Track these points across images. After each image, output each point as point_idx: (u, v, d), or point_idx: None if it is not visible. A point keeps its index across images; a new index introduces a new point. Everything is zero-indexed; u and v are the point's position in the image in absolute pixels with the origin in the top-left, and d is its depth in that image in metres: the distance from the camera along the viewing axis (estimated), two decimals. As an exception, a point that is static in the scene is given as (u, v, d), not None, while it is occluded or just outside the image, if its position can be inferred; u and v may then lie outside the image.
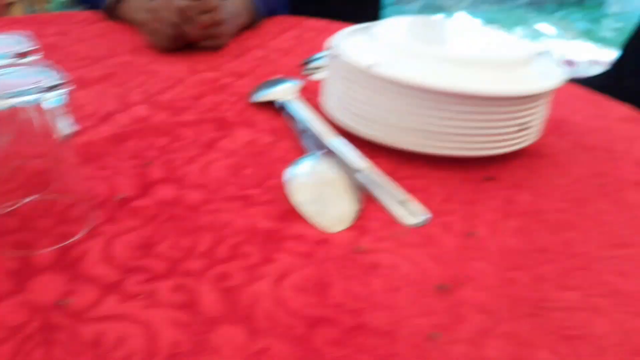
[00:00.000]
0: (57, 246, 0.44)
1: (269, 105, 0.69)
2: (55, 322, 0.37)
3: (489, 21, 4.30)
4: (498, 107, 0.54)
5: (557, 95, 0.83)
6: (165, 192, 0.51)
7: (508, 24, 4.30)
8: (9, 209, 0.46)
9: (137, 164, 0.55)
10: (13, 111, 0.40)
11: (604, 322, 0.41)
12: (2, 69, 0.41)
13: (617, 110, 0.82)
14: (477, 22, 4.23)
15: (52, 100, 0.40)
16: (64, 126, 0.43)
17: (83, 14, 0.97)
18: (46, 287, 0.40)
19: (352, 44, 0.61)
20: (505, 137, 0.57)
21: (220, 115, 0.66)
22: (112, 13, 0.96)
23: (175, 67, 0.79)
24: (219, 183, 0.53)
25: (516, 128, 0.57)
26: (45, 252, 0.43)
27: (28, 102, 0.39)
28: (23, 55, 0.45)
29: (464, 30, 0.68)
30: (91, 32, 0.90)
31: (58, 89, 0.40)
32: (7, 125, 0.41)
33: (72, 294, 0.40)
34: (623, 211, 0.56)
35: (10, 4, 1.10)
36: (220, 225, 0.47)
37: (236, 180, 0.54)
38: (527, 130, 0.59)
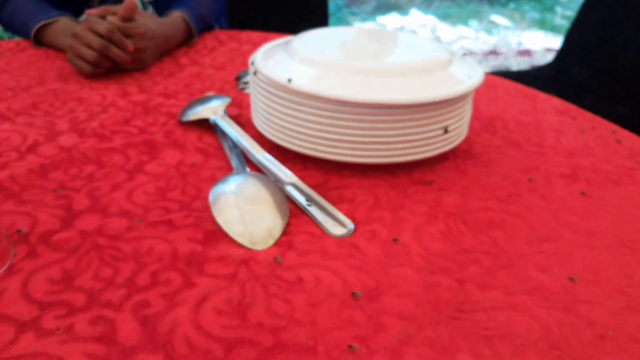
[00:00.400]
0: (-27, 288, 0.43)
1: (201, 123, 0.69)
2: (-34, 368, 0.37)
3: (443, 17, 4.36)
4: (417, 114, 0.55)
5: (489, 92, 0.85)
6: (89, 222, 0.51)
7: (462, 18, 4.36)
8: None
9: (62, 195, 0.55)
10: None
11: (524, 319, 0.42)
12: None
13: (548, 103, 0.84)
14: (430, 19, 4.28)
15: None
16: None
17: (9, 43, 0.95)
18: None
19: (272, 58, 0.61)
20: (430, 141, 0.58)
21: (149, 138, 0.65)
22: (38, 40, 0.94)
23: (105, 92, 0.78)
24: (143, 209, 0.53)
25: (439, 131, 0.58)
26: (-40, 295, 0.42)
27: None
28: None
29: (383, 38, 0.69)
30: (18, 61, 0.88)
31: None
32: None
33: (-15, 336, 0.39)
34: (550, 205, 0.57)
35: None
36: (143, 253, 0.47)
37: (161, 204, 0.54)
38: (451, 133, 0.60)
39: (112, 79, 0.81)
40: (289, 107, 0.56)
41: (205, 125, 0.68)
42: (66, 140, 0.65)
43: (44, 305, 0.42)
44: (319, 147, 0.57)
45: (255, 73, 0.60)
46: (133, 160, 0.61)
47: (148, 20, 0.87)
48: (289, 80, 0.55)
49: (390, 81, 0.55)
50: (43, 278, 0.44)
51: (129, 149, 0.63)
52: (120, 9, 0.83)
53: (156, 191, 0.56)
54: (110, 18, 0.81)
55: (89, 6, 1.03)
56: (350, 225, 0.51)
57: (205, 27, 1.02)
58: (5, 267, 0.45)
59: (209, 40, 0.98)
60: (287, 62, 0.59)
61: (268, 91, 0.58)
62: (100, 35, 0.79)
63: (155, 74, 0.84)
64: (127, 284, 0.44)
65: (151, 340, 0.39)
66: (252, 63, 0.60)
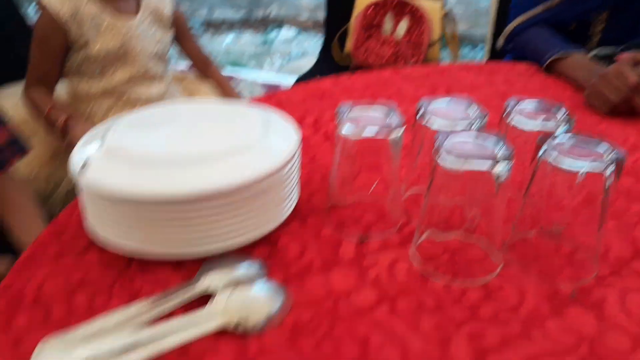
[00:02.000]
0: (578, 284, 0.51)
1: None
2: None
3: None
4: None
5: None
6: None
7: None
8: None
9: (623, 223, 0.59)
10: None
11: None
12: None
13: None
14: None
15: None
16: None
17: (521, 66, 1.06)
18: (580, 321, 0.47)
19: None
20: None
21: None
22: (551, 68, 1.03)
23: (625, 131, 0.81)
24: None
25: None
26: (566, 288, 0.50)
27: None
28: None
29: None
30: (533, 84, 0.97)
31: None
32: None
33: (603, 336, 0.45)
34: None
35: (430, 45, 1.24)
36: None
37: None
38: None
39: (629, 120, 0.83)
40: None
41: None
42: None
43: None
44: None
45: None
46: None
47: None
48: None
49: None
50: (635, 300, 0.49)
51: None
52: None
53: None
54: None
55: (587, 43, 1.08)
56: None
57: None
58: (594, 276, 0.51)
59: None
60: None
61: None
62: (628, 83, 0.82)
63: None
64: None
65: None
66: None
